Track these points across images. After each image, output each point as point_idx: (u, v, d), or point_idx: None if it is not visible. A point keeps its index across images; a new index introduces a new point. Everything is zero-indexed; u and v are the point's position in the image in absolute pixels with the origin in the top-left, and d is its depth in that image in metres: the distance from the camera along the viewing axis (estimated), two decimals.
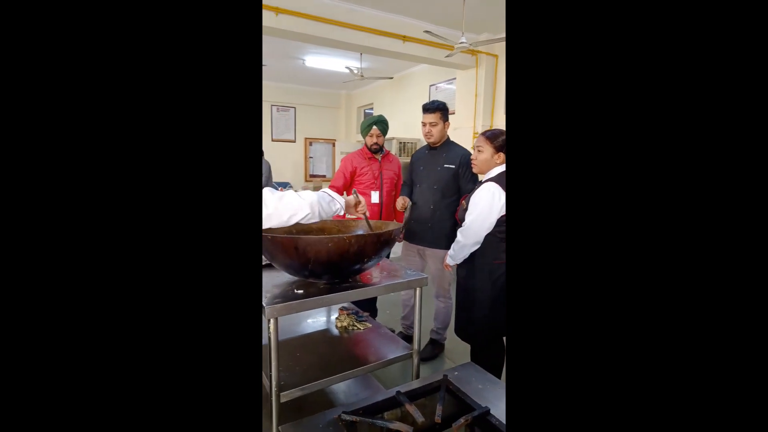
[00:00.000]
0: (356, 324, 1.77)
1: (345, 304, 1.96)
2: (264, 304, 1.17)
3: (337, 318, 1.85)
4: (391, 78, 6.73)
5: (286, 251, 1.18)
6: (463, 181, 2.18)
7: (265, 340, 1.29)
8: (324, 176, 8.82)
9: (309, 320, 1.90)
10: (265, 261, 1.52)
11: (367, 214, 1.45)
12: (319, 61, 6.30)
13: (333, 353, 1.55)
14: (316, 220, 1.23)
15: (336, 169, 2.79)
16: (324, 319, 1.92)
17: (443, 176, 2.19)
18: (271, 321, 1.17)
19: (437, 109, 2.17)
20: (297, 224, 1.23)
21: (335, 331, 1.77)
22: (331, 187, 2.34)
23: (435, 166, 2.21)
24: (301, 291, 1.28)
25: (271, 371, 1.22)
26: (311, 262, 1.19)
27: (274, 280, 1.41)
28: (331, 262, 1.21)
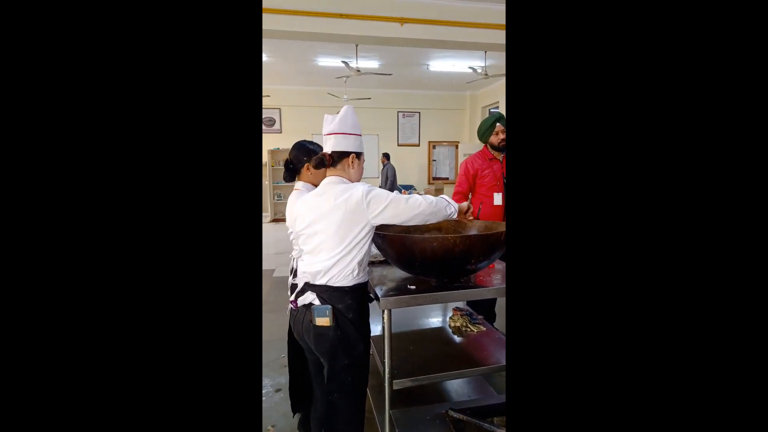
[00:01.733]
0: (470, 326, 1.76)
1: (459, 305, 1.96)
2: (379, 295, 1.27)
3: (450, 318, 1.86)
4: None
5: (395, 248, 1.26)
6: None
7: (380, 331, 1.39)
8: (447, 178, 8.85)
9: (424, 318, 1.95)
10: (382, 258, 1.64)
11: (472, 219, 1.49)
12: (443, 64, 6.37)
13: (445, 351, 1.57)
14: (434, 221, 1.30)
15: (458, 172, 2.82)
16: (439, 318, 1.96)
17: None
18: (385, 312, 1.26)
19: None
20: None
21: (449, 331, 1.79)
22: (456, 193, 2.35)
23: None
24: (413, 287, 1.34)
25: (385, 359, 1.31)
26: (418, 260, 1.24)
27: (390, 275, 1.51)
28: (436, 260, 1.24)
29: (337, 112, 1.25)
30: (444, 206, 1.25)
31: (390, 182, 7.05)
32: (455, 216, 1.39)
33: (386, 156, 7.48)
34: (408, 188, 7.78)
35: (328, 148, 1.23)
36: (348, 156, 1.22)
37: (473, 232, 1.59)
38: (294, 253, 1.53)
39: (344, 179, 1.22)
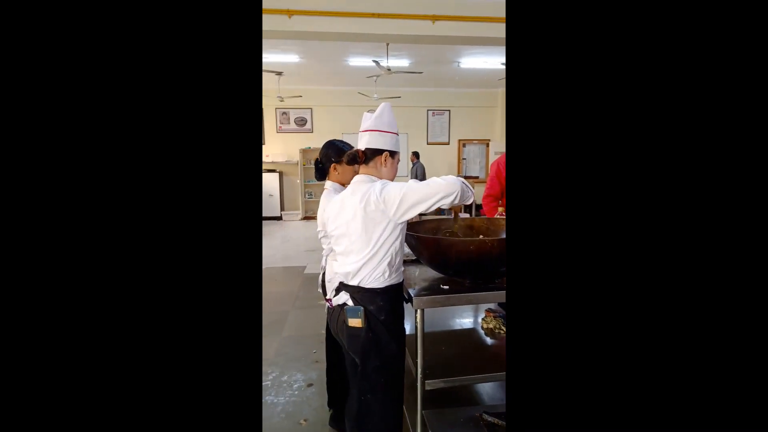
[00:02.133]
0: (502, 328, 1.72)
1: (492, 306, 1.92)
2: (412, 294, 1.27)
3: (483, 319, 1.83)
4: None
5: (430, 250, 1.24)
6: None
7: (412, 329, 1.39)
8: (477, 177, 8.71)
9: (455, 319, 1.93)
10: (413, 257, 1.63)
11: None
12: (475, 61, 6.26)
13: (478, 353, 1.55)
14: (457, 202, 1.24)
15: (488, 173, 2.75)
16: (470, 319, 1.93)
17: None
18: (418, 311, 1.26)
19: None
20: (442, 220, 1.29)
21: (481, 333, 1.76)
22: (486, 196, 2.30)
23: None
24: (446, 287, 1.33)
25: (417, 359, 1.30)
26: (453, 262, 1.23)
27: (423, 275, 1.51)
28: (472, 262, 1.23)
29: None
30: (467, 189, 1.18)
31: (420, 180, 7.02)
32: (470, 201, 1.33)
33: (416, 155, 7.45)
34: None
35: (362, 145, 1.21)
36: (381, 154, 1.19)
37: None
38: (324, 252, 1.55)
39: (374, 178, 1.19)
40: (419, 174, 7.15)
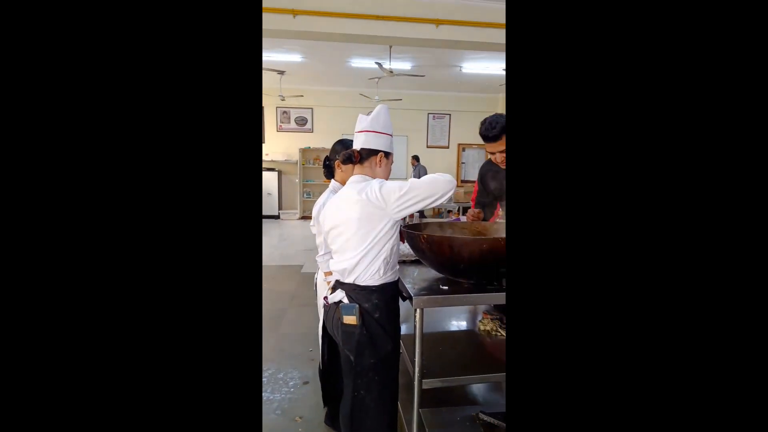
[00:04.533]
0: (499, 330, 1.73)
1: (488, 308, 1.93)
2: (412, 294, 1.28)
3: (480, 321, 1.84)
4: None
5: (441, 249, 1.25)
6: None
7: (410, 330, 1.40)
8: (475, 181, 8.75)
9: (453, 320, 1.94)
10: (414, 257, 1.64)
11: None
12: (477, 66, 6.29)
13: (475, 354, 1.56)
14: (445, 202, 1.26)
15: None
16: (468, 320, 1.94)
17: None
18: (418, 311, 1.27)
19: (502, 133, 1.64)
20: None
21: (478, 334, 1.77)
22: (473, 200, 2.32)
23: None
24: (446, 287, 1.34)
25: (415, 358, 1.31)
26: (465, 261, 1.23)
27: (422, 275, 1.52)
28: (485, 262, 1.24)
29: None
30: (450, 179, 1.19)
31: None
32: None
33: (416, 158, 7.47)
34: None
35: (357, 145, 1.23)
36: (376, 154, 1.22)
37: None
38: (320, 250, 1.56)
39: (368, 178, 1.21)
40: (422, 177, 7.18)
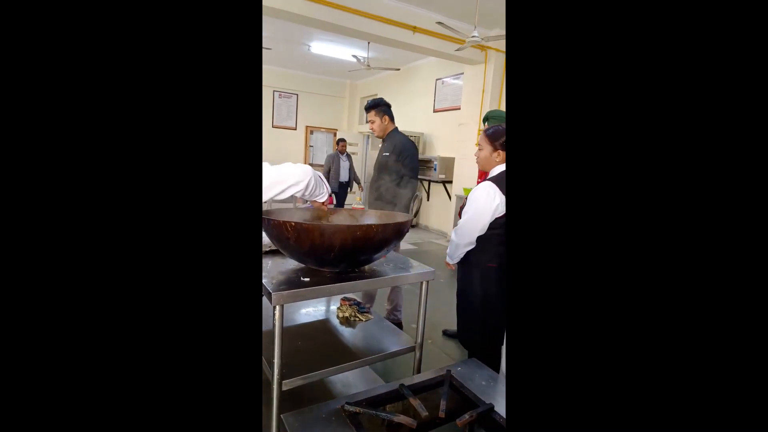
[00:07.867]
0: (358, 315, 1.76)
1: (348, 295, 1.94)
2: (270, 290, 1.15)
3: (338, 308, 1.83)
4: (398, 70, 6.67)
5: (311, 238, 1.16)
6: (399, 166, 2.39)
7: (268, 326, 1.27)
8: (323, 165, 8.78)
9: (309, 309, 1.88)
10: (270, 247, 1.50)
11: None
12: (326, 48, 6.22)
13: (334, 344, 1.54)
14: (307, 195, 1.26)
15: None
16: (323, 308, 1.90)
17: (383, 162, 2.46)
18: (277, 308, 1.15)
19: (372, 107, 2.43)
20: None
21: (336, 322, 1.75)
22: None
23: (380, 154, 2.49)
24: (307, 279, 1.25)
25: (274, 358, 1.20)
26: (337, 250, 1.17)
27: (279, 267, 1.39)
28: (356, 248, 1.20)
29: None
30: (320, 183, 1.20)
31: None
32: (325, 198, 1.39)
33: None
34: None
35: None
36: None
37: (372, 220, 1.58)
38: None
39: None
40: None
